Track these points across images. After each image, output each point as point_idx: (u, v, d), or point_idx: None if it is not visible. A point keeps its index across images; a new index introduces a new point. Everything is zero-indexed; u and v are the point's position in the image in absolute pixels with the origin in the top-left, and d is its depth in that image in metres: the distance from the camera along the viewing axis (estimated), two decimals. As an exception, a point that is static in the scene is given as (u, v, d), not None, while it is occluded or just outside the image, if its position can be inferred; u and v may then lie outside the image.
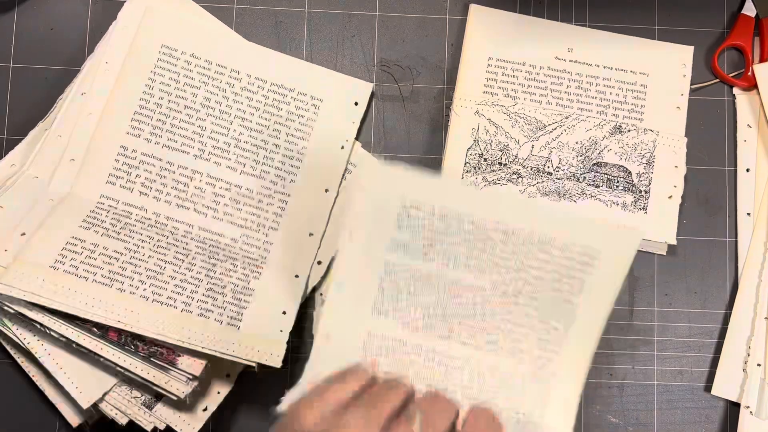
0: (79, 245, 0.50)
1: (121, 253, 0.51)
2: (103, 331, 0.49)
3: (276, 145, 0.55)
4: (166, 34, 0.56)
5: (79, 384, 0.50)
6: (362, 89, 0.57)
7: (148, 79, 0.55)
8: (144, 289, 0.50)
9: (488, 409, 0.41)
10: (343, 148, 0.55)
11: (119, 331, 0.49)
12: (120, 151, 0.54)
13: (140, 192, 0.54)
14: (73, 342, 0.48)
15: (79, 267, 0.50)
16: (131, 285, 0.50)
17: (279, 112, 0.55)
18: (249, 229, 0.54)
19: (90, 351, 0.49)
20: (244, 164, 0.54)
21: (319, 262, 0.55)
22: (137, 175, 0.54)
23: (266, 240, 0.54)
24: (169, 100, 0.55)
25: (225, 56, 0.56)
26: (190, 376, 0.49)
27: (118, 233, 0.52)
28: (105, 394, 0.50)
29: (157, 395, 0.51)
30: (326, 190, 0.55)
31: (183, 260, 0.52)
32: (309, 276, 0.54)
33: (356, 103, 0.56)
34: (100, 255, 0.50)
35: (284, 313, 0.52)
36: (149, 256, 0.51)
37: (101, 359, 0.49)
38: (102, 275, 0.50)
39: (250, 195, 0.54)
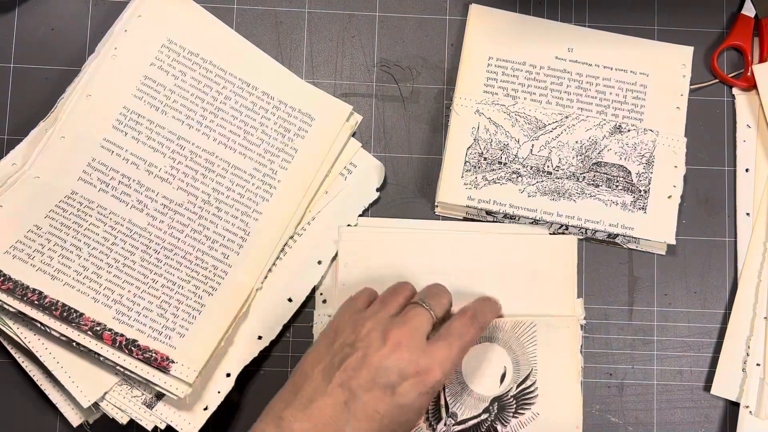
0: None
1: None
2: (97, 336, 0.49)
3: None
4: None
5: (80, 383, 0.50)
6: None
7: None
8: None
9: (490, 297, 0.52)
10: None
11: (113, 336, 0.49)
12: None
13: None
14: (74, 341, 0.48)
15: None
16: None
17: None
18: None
19: (90, 350, 0.49)
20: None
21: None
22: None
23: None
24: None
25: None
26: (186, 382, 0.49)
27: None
28: (105, 393, 0.50)
29: (158, 395, 0.51)
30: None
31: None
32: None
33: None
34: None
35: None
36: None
37: (101, 358, 0.49)
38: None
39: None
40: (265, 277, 0.54)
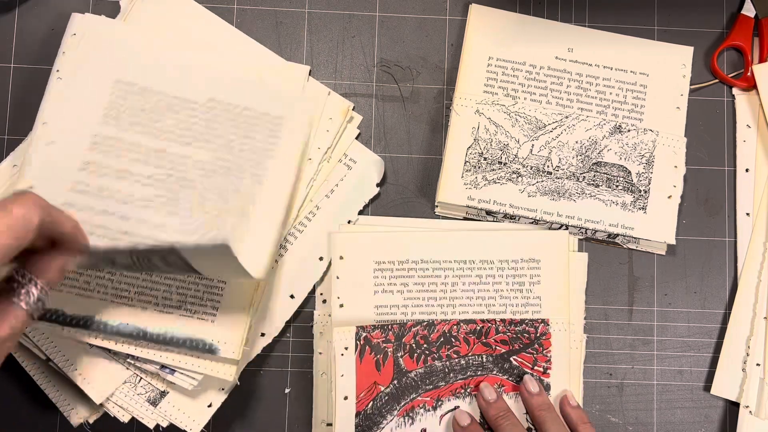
0: None
1: None
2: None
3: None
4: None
5: (91, 380, 0.50)
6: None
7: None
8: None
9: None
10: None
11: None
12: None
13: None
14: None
15: None
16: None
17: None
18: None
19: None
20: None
21: (321, 258, 0.55)
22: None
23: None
24: None
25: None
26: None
27: None
28: (116, 388, 0.51)
29: (162, 392, 0.51)
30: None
31: None
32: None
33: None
34: None
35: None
36: None
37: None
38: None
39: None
40: (276, 261, 0.54)
